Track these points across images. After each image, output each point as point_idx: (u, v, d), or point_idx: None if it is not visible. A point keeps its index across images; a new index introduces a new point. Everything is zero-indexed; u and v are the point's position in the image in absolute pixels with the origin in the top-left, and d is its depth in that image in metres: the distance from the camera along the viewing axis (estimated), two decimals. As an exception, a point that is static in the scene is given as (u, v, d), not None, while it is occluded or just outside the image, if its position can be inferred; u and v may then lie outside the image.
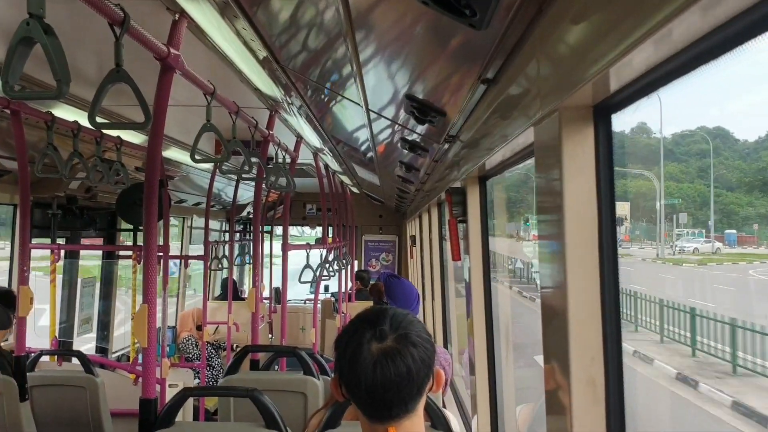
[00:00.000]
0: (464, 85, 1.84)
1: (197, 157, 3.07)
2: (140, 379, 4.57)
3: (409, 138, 3.09)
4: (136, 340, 5.51)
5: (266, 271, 8.94)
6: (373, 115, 2.92)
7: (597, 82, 1.09)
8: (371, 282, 8.18)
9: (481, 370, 2.75)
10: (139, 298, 6.05)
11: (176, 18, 2.32)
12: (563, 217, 1.22)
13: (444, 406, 3.55)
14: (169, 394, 3.93)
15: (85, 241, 5.97)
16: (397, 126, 2.98)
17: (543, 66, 1.28)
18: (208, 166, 5.81)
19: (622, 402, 1.24)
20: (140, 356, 6.02)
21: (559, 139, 1.21)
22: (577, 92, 1.13)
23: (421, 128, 2.70)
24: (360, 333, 1.35)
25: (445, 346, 6.10)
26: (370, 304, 6.63)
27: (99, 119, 2.04)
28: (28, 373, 3.49)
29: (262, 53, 2.51)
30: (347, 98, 2.90)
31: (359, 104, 2.81)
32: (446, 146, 2.78)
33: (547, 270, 1.36)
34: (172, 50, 2.28)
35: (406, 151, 3.48)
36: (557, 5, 1.15)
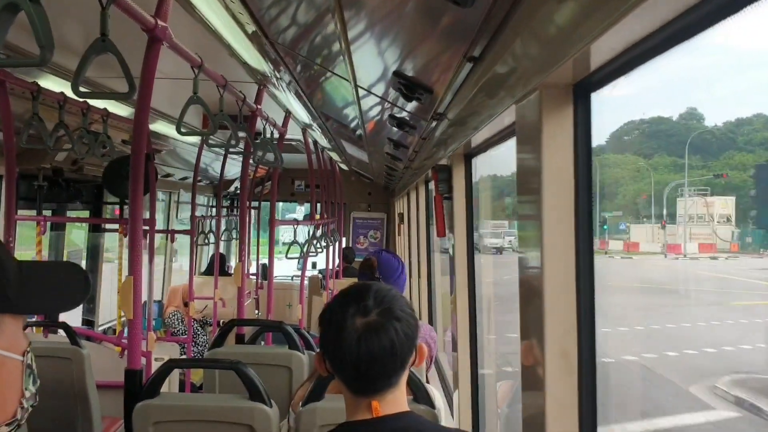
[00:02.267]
0: (451, 63, 1.85)
1: (183, 130, 3.06)
2: (126, 351, 4.60)
3: (398, 115, 3.10)
4: (122, 313, 5.52)
5: (253, 248, 8.95)
6: (361, 92, 2.92)
7: (577, 60, 1.11)
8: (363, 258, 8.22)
9: (464, 347, 2.80)
10: (126, 271, 6.06)
11: (164, -11, 2.30)
12: (541, 194, 1.24)
13: (428, 382, 3.60)
14: (155, 367, 3.94)
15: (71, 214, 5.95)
16: (385, 103, 2.99)
17: (526, 44, 1.30)
18: (196, 140, 5.78)
19: (594, 373, 1.27)
20: (126, 329, 6.05)
21: (540, 118, 1.23)
22: (557, 70, 1.15)
23: (409, 105, 2.70)
24: (344, 308, 1.37)
25: (431, 323, 6.15)
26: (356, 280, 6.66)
27: (83, 89, 2.04)
28: (13, 344, 3.49)
29: (251, 27, 2.50)
30: (336, 74, 2.90)
31: (348, 81, 2.81)
32: (434, 124, 2.79)
33: (525, 246, 1.39)
34: (159, 22, 2.27)
35: (395, 129, 3.48)
36: (542, -17, 1.16)
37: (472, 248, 2.82)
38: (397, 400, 1.37)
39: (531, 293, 1.33)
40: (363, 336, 1.32)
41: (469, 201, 2.78)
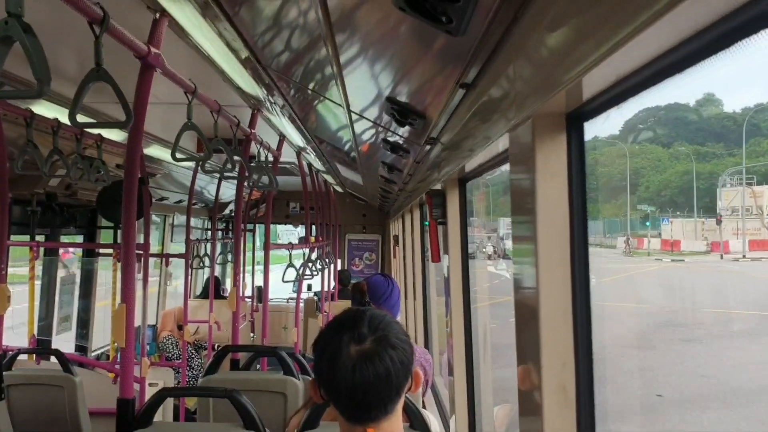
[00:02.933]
0: (444, 89, 1.85)
1: (178, 155, 3.06)
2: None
3: (391, 139, 3.10)
4: (115, 339, 5.47)
5: (248, 270, 8.91)
6: (354, 116, 2.92)
7: (570, 90, 1.11)
8: (353, 282, 8.20)
9: (459, 371, 2.77)
10: (120, 297, 6.02)
11: (157, 17, 2.31)
12: (536, 223, 1.23)
13: (424, 407, 3.56)
14: (149, 393, 3.91)
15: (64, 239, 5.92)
16: (379, 127, 2.99)
17: (519, 72, 1.30)
18: (191, 164, 5.78)
19: (593, 407, 1.26)
20: (119, 355, 5.99)
21: (533, 146, 1.23)
22: (550, 99, 1.15)
23: (402, 130, 2.71)
24: (338, 335, 1.35)
25: (426, 346, 6.12)
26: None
27: (80, 117, 2.03)
28: (4, 372, 3.46)
29: (244, 53, 2.51)
30: (329, 99, 2.91)
31: (341, 105, 2.82)
32: (428, 148, 2.79)
33: (520, 274, 1.38)
34: (152, 49, 2.27)
35: (388, 152, 3.49)
36: (532, 13, 1.16)
37: (467, 272, 2.81)
38: (393, 428, 1.36)
39: (527, 323, 1.32)
40: (358, 364, 1.31)
41: (464, 225, 2.78)
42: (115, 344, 5.48)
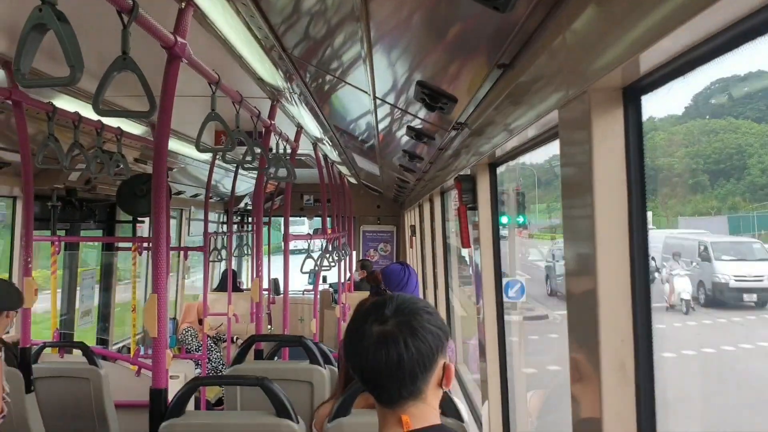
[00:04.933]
0: (478, 71, 1.83)
1: (201, 147, 3.05)
2: (142, 371, 4.58)
3: (415, 125, 3.08)
4: (137, 332, 5.50)
5: (264, 263, 8.93)
6: (378, 102, 2.90)
7: (627, 65, 1.08)
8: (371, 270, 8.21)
9: (492, 356, 2.76)
10: (139, 289, 6.04)
11: (182, 6, 2.29)
12: (593, 199, 1.21)
13: (450, 392, 3.55)
14: (171, 384, 3.92)
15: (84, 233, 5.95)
16: (403, 113, 2.97)
17: (568, 49, 1.27)
18: (207, 156, 5.78)
19: (653, 384, 1.24)
20: (141, 348, 6.02)
21: (588, 122, 1.20)
22: (606, 75, 1.13)
23: (428, 115, 2.69)
24: (366, 315, 1.37)
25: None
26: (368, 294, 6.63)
27: (103, 108, 2.02)
28: (33, 365, 3.48)
29: (267, 39, 2.49)
30: (353, 85, 2.89)
31: (366, 91, 2.80)
32: (453, 133, 2.77)
33: (574, 252, 1.35)
34: (179, 39, 2.26)
35: (409, 139, 3.47)
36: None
37: (498, 256, 2.79)
38: (423, 414, 1.35)
39: (583, 302, 1.30)
40: (374, 345, 1.32)
41: (495, 209, 2.76)
42: (137, 337, 5.50)
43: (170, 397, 2.54)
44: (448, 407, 2.33)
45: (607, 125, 1.21)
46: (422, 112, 2.69)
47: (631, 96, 1.21)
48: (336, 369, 3.67)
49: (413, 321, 1.33)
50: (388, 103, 2.93)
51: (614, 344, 1.21)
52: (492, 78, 1.83)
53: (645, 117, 1.21)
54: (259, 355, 4.18)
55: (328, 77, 3.07)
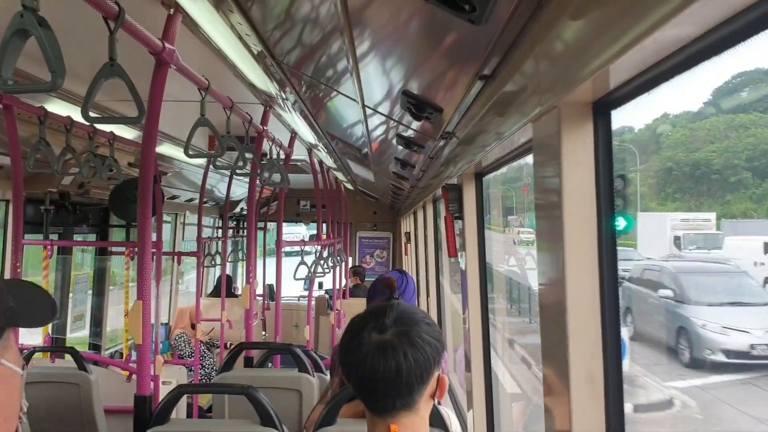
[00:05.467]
0: (461, 82, 1.84)
1: (191, 152, 3.05)
2: (134, 376, 4.57)
3: (405, 134, 3.08)
4: (129, 337, 5.49)
5: (259, 269, 8.92)
6: (368, 111, 2.91)
7: (597, 79, 1.09)
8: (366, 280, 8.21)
9: (477, 366, 2.76)
10: (132, 294, 6.04)
11: (171, 12, 2.30)
12: (562, 213, 1.22)
13: (439, 403, 3.55)
14: (162, 391, 3.91)
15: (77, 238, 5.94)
16: (392, 122, 2.98)
17: (542, 62, 1.28)
18: (201, 161, 5.79)
19: (621, 398, 1.24)
20: (134, 353, 6.01)
21: (558, 136, 1.21)
22: (576, 89, 1.13)
23: (417, 124, 2.69)
24: (364, 322, 1.36)
25: (440, 342, 6.08)
26: (364, 301, 6.62)
27: (93, 114, 2.03)
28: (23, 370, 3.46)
29: (257, 48, 2.50)
30: (343, 94, 2.90)
31: (355, 100, 2.80)
32: (442, 143, 2.77)
33: (545, 266, 1.36)
34: (167, 45, 2.27)
35: (402, 148, 3.47)
36: (556, 1, 1.14)
37: (484, 266, 2.79)
38: (414, 425, 1.34)
39: (553, 314, 1.30)
40: (372, 353, 1.31)
41: (480, 219, 2.76)
42: (129, 342, 5.49)
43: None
44: (434, 417, 2.33)
45: (578, 139, 1.22)
46: (411, 122, 2.70)
47: (601, 110, 1.21)
48: (326, 377, 3.67)
49: (413, 332, 1.33)
50: (378, 113, 2.94)
51: (584, 357, 1.22)
52: (475, 89, 1.83)
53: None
54: (249, 363, 4.17)
55: (319, 86, 3.08)
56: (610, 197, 1.22)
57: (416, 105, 2.17)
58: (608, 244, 1.22)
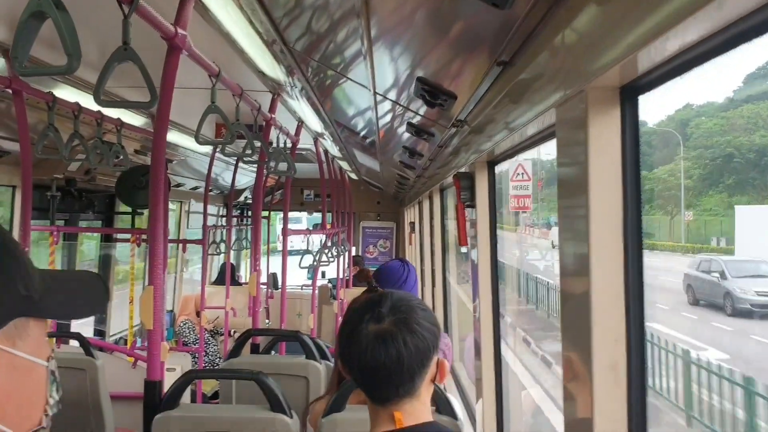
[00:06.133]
0: (479, 68, 1.82)
1: (201, 140, 3.04)
2: (138, 363, 4.58)
3: (415, 122, 3.07)
4: (134, 323, 5.50)
5: (263, 257, 8.93)
6: (379, 98, 2.90)
7: (625, 64, 1.08)
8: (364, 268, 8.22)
9: (487, 355, 2.76)
10: (138, 282, 6.04)
11: (184, -3, 2.29)
12: (588, 199, 1.21)
13: (444, 388, 3.56)
14: (168, 377, 3.92)
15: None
16: (403, 109, 2.96)
17: (567, 48, 1.27)
18: (207, 149, 5.77)
19: (644, 386, 1.23)
20: (138, 339, 6.03)
21: (585, 121, 1.20)
22: (604, 74, 1.12)
23: (428, 112, 2.68)
24: (361, 313, 1.36)
25: (446, 331, 6.11)
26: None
27: (103, 98, 2.02)
28: (28, 355, 3.46)
29: (269, 32, 2.48)
30: (353, 80, 2.88)
31: (366, 86, 2.79)
32: (453, 131, 2.76)
33: (569, 251, 1.35)
34: (179, 30, 2.25)
35: (409, 136, 3.46)
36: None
37: (495, 255, 2.78)
38: (417, 411, 1.35)
39: (576, 301, 1.30)
40: (371, 343, 1.31)
41: (493, 208, 2.75)
42: (134, 329, 5.51)
43: (166, 389, 2.55)
44: (442, 405, 2.33)
45: (604, 124, 1.21)
46: (422, 109, 2.69)
47: (629, 95, 1.20)
48: (331, 364, 3.67)
49: (410, 318, 1.33)
50: (389, 99, 2.92)
51: (607, 345, 1.21)
52: (492, 75, 1.82)
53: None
54: (255, 349, 4.18)
55: (329, 72, 3.06)
56: (636, 183, 1.21)
57: (430, 92, 2.16)
58: (634, 231, 1.21)
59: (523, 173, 6.18)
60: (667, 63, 1.07)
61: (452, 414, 2.40)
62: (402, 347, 1.30)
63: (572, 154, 1.30)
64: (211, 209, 9.27)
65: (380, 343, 1.30)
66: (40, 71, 2.14)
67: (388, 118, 3.48)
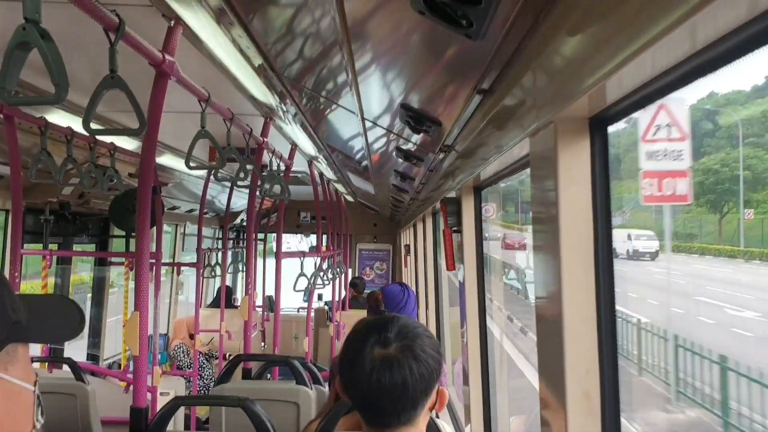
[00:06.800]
0: (460, 95, 1.84)
1: (192, 164, 3.06)
2: (131, 387, 4.55)
3: (404, 147, 3.09)
4: (128, 347, 5.47)
5: (259, 280, 8.91)
6: (368, 124, 2.92)
7: (593, 94, 1.09)
8: (366, 291, 8.18)
9: (475, 380, 2.75)
10: (131, 305, 6.02)
11: (171, 24, 2.31)
12: (558, 228, 1.22)
13: (437, 416, 3.54)
14: (161, 402, 3.89)
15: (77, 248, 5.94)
16: (392, 135, 2.98)
17: (539, 77, 1.28)
18: (202, 173, 5.79)
19: (618, 414, 1.23)
20: (131, 364, 5.99)
21: (555, 151, 1.21)
22: (573, 104, 1.13)
23: (416, 138, 2.70)
24: (366, 336, 1.35)
25: (439, 355, 6.06)
26: (364, 312, 6.60)
27: (93, 125, 2.03)
28: (17, 381, 3.44)
29: (258, 60, 2.51)
30: (343, 107, 2.90)
31: (354, 113, 2.81)
32: (441, 156, 2.78)
33: (541, 281, 1.35)
34: (167, 57, 2.27)
35: (401, 161, 3.48)
36: (553, 17, 1.15)
37: (482, 280, 2.78)
38: None
39: (549, 330, 1.30)
40: (377, 368, 1.30)
41: (479, 233, 2.76)
42: (127, 353, 5.48)
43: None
44: (431, 430, 2.32)
45: (574, 154, 1.22)
46: (411, 135, 2.71)
47: (598, 126, 1.22)
48: (324, 389, 3.65)
49: (416, 345, 1.32)
50: (378, 125, 2.94)
51: (579, 374, 1.21)
52: (474, 103, 1.84)
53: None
54: (247, 374, 4.15)
55: (319, 98, 3.09)
56: (606, 212, 1.22)
57: (415, 118, 2.18)
58: (604, 259, 1.22)
59: (670, 125, 3.24)
60: (634, 93, 1.08)
61: (441, 440, 2.38)
62: (408, 374, 1.29)
63: (544, 183, 1.31)
64: (208, 232, 9.27)
65: (387, 368, 1.29)
66: (28, 101, 2.16)
67: (379, 143, 3.50)
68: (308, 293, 6.19)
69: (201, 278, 6.24)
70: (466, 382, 2.89)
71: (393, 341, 1.32)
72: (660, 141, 3.22)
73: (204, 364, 7.08)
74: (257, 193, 4.39)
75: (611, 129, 1.25)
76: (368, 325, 1.39)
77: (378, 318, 1.41)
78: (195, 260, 6.04)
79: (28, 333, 0.92)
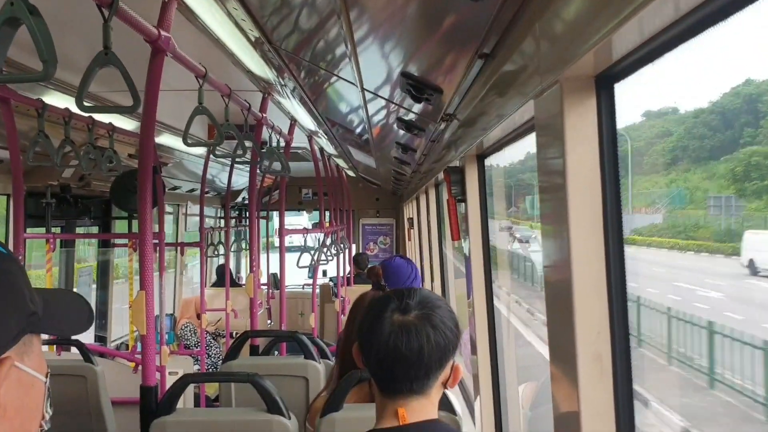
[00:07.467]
0: (461, 61, 1.81)
1: (189, 141, 3.03)
2: (140, 367, 4.58)
3: (406, 118, 3.06)
4: (135, 328, 5.50)
5: (263, 257, 8.92)
6: (368, 95, 2.88)
7: (599, 51, 1.07)
8: (369, 266, 8.17)
9: (483, 350, 2.75)
10: (137, 285, 6.04)
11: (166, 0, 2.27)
12: (566, 191, 1.20)
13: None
14: (169, 381, 3.91)
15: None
16: (393, 106, 2.95)
17: (542, 37, 1.25)
18: (202, 151, 5.76)
19: (630, 376, 1.23)
20: (139, 344, 6.03)
21: (561, 111, 1.19)
22: (578, 62, 1.11)
23: (417, 107, 2.67)
24: (386, 302, 1.37)
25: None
26: (368, 287, 6.61)
27: (87, 103, 2.01)
28: (26, 364, 3.46)
29: (254, 34, 2.47)
30: (342, 78, 2.87)
31: (354, 84, 2.77)
32: (443, 125, 2.75)
33: (550, 245, 1.34)
34: (162, 32, 2.24)
35: (403, 132, 3.45)
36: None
37: (488, 249, 2.77)
38: (424, 409, 1.35)
39: (559, 295, 1.29)
40: (394, 332, 1.31)
41: (483, 202, 2.74)
42: (135, 333, 5.50)
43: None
44: (441, 401, 2.32)
45: (580, 114, 1.19)
46: (411, 105, 2.68)
47: (604, 84, 1.19)
48: (332, 363, 3.66)
49: (435, 315, 1.34)
50: (379, 96, 2.91)
51: (590, 337, 1.20)
52: (475, 68, 1.81)
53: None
54: (254, 351, 4.17)
55: (318, 71, 3.05)
56: (615, 173, 1.20)
57: (416, 87, 2.15)
58: (614, 220, 1.20)
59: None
60: (641, 48, 1.05)
61: (450, 409, 2.39)
62: (424, 342, 1.30)
63: (550, 146, 1.29)
64: (210, 211, 9.27)
65: (405, 334, 1.31)
66: (16, 78, 2.13)
67: (380, 115, 3.47)
68: (312, 269, 6.20)
69: (205, 257, 6.24)
70: (473, 351, 2.89)
71: (413, 309, 1.33)
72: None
73: (211, 342, 7.12)
74: (257, 170, 4.37)
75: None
76: (391, 293, 1.41)
77: (400, 288, 1.43)
78: (197, 240, 6.04)
79: (44, 324, 0.92)
